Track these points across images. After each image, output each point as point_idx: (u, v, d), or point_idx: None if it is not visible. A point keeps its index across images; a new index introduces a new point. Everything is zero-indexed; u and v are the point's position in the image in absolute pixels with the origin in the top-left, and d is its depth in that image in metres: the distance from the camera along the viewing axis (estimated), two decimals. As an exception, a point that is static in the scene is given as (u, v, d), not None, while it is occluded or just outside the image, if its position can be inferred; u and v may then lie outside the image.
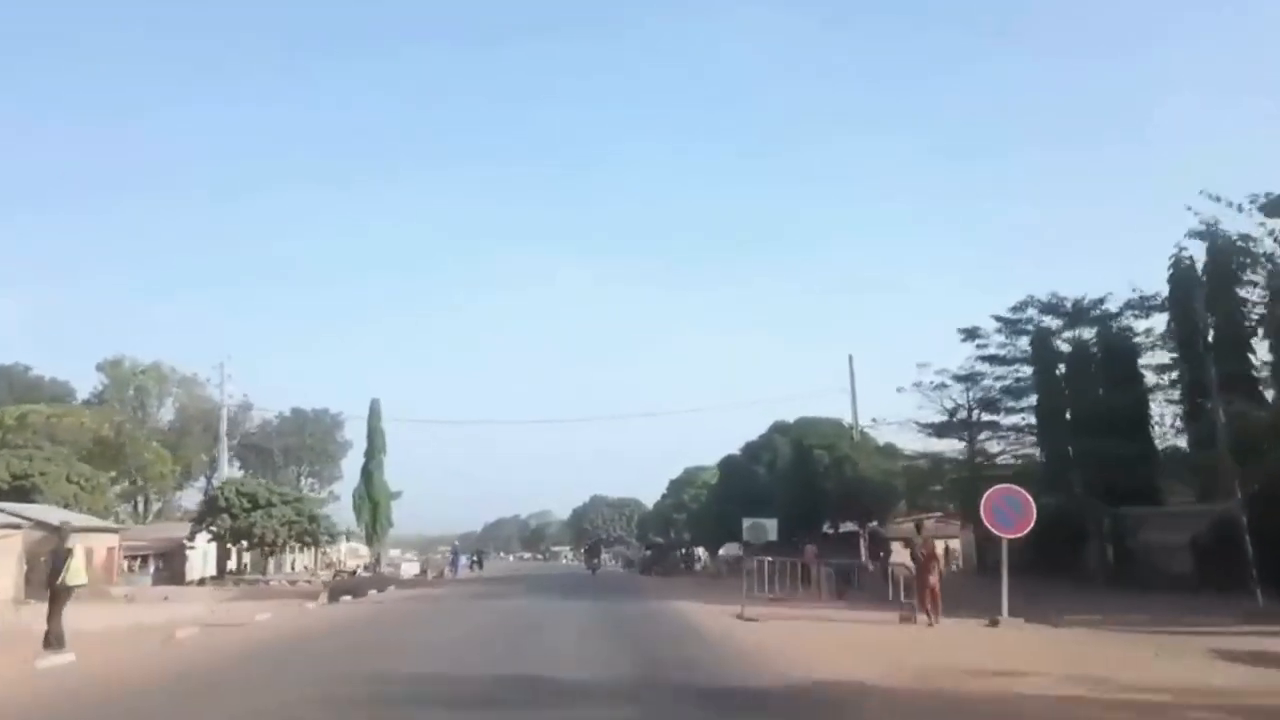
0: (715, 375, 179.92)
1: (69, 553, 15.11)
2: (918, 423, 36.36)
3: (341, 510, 74.21)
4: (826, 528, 47.28)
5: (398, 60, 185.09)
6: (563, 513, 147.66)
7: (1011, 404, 33.91)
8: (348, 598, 28.80)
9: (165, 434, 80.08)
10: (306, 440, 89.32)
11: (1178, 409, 28.78)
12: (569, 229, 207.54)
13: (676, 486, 76.24)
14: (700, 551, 64.21)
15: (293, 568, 67.78)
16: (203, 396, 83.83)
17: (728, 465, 50.57)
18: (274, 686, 11.15)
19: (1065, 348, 32.06)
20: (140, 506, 78.96)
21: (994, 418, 34.44)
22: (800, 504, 43.32)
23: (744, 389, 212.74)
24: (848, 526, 48.63)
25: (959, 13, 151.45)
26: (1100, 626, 18.08)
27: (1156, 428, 29.72)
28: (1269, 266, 24.19)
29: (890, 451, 46.53)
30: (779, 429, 48.22)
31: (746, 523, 40.27)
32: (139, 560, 46.25)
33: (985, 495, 20.20)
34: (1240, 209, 23.18)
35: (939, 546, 52.80)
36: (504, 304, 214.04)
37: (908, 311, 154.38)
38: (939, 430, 35.29)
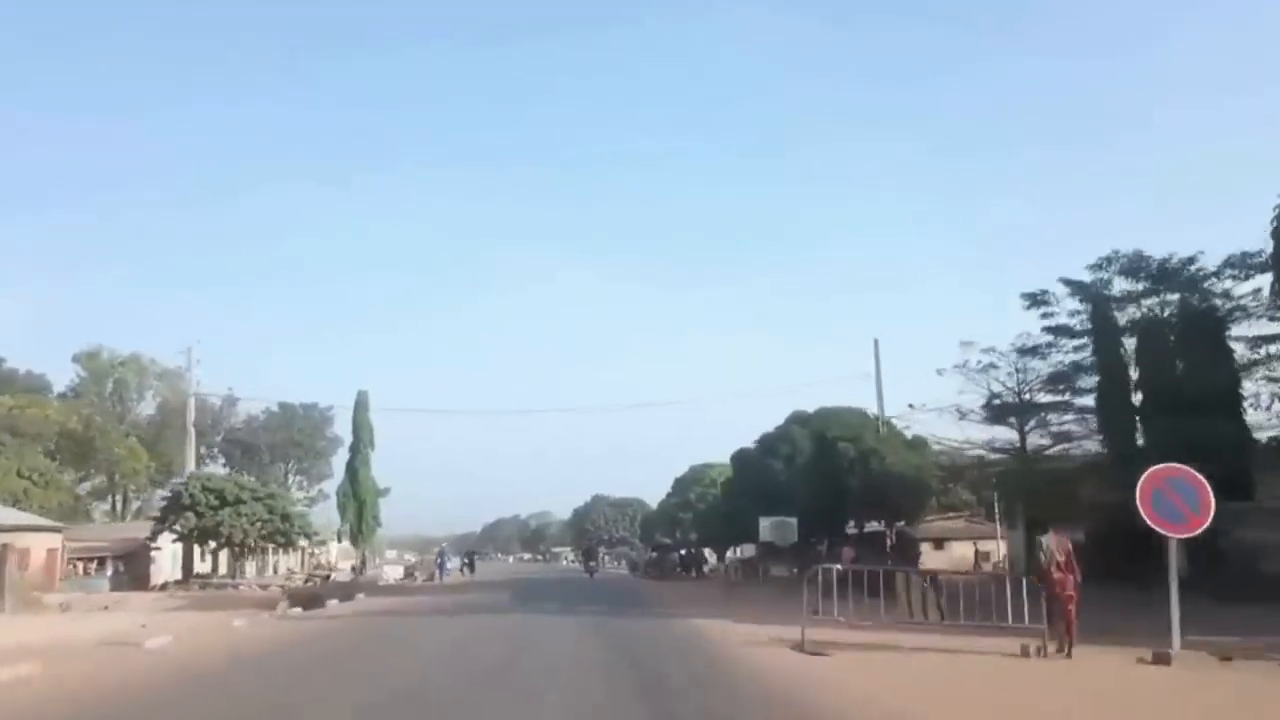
0: (716, 375, 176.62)
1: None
2: (959, 409, 32.27)
3: (331, 509, 70.80)
4: (850, 527, 43.22)
5: (397, 59, 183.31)
6: (563, 513, 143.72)
7: (1067, 385, 29.57)
8: (298, 610, 24.64)
9: (145, 429, 76.48)
10: (295, 436, 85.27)
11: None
12: (569, 228, 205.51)
13: (682, 485, 72.10)
14: (706, 553, 60.30)
15: (275, 570, 63.88)
16: (186, 390, 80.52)
17: (741, 460, 46.42)
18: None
19: (1132, 316, 27.76)
20: (118, 505, 75.32)
21: (1060, 397, 29.97)
22: (822, 501, 39.18)
23: (744, 389, 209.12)
24: (869, 526, 44.73)
25: (960, 12, 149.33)
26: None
27: (1251, 410, 25.44)
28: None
29: (919, 444, 42.54)
30: (797, 420, 44.09)
31: (766, 521, 36.25)
32: (95, 562, 42.25)
33: (1144, 478, 14.80)
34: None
35: (968, 549, 49.06)
36: (504, 303, 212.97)
37: (907, 311, 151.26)
38: (996, 414, 30.95)
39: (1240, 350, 25.64)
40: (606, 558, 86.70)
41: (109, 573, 41.85)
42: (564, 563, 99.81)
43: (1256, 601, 21.48)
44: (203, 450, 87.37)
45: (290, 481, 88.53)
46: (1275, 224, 22.74)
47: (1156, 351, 26.64)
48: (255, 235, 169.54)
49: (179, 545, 44.33)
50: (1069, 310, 28.32)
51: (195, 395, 78.54)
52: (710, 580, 45.76)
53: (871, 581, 16.43)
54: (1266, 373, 25.41)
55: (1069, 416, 30.12)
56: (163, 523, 41.51)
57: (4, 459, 41.62)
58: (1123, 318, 27.43)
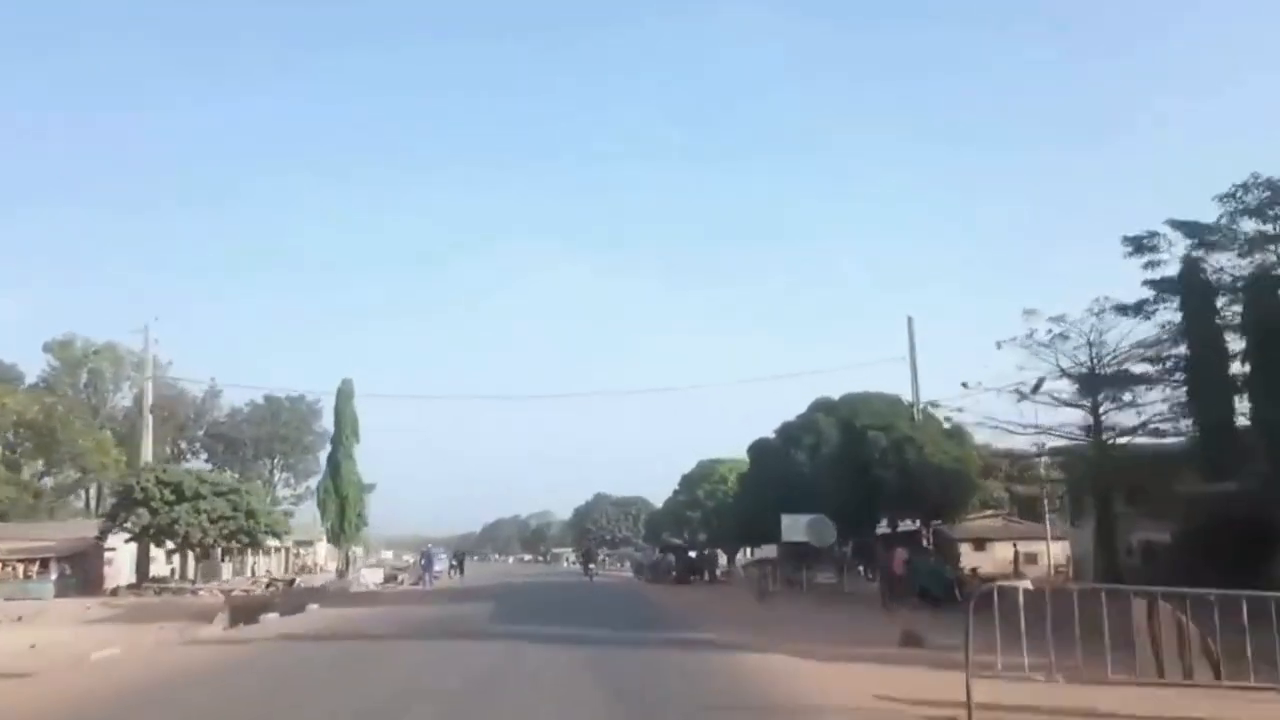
0: (717, 374, 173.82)
1: None
2: (1019, 388, 27.66)
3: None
4: (882, 525, 38.81)
5: (397, 57, 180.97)
6: (565, 513, 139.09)
7: (1163, 354, 24.87)
8: (217, 629, 19.99)
9: (120, 421, 72.22)
10: (280, 430, 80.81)
11: None
12: (569, 224, 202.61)
13: (690, 482, 67.41)
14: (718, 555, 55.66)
15: (253, 572, 59.46)
16: (166, 381, 76.35)
17: (760, 451, 41.75)
18: None
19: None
20: (92, 502, 70.94)
21: (1155, 367, 25.18)
22: (850, 497, 34.64)
23: (745, 390, 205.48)
24: (900, 524, 40.27)
25: (960, 12, 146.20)
26: None
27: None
28: None
29: (959, 433, 38.06)
30: (822, 407, 39.49)
31: (795, 519, 31.81)
32: (36, 564, 37.82)
33: None
34: None
35: (1008, 550, 44.51)
36: (504, 301, 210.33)
37: (906, 311, 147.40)
38: (1087, 386, 26.11)
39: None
40: (607, 559, 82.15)
41: (53, 576, 37.45)
42: (565, 564, 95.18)
43: None
44: (183, 445, 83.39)
45: (276, 478, 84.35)
46: None
47: (1269, 312, 22.08)
48: (253, 229, 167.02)
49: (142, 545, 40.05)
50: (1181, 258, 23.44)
51: (158, 379, 75.04)
52: (728, 585, 41.18)
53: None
54: None
55: (1153, 394, 25.45)
56: (113, 520, 37.14)
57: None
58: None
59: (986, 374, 29.93)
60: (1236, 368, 23.43)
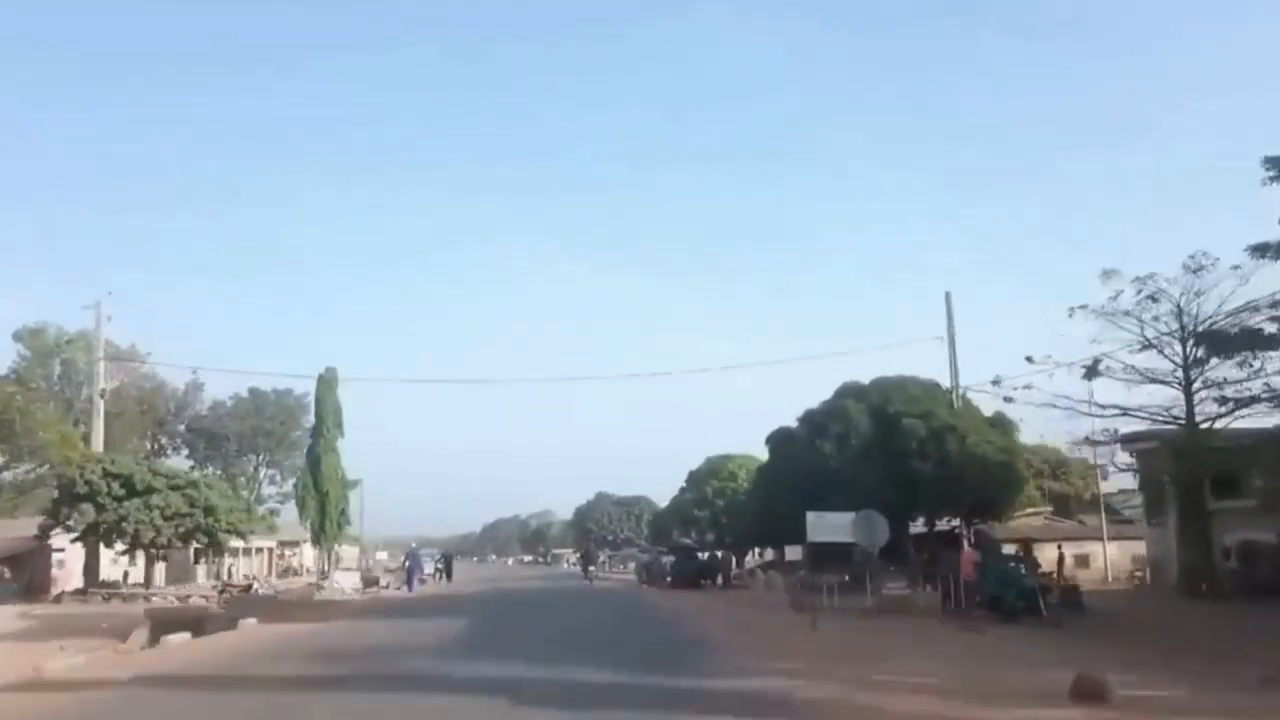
0: (717, 373, 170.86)
1: None
2: (1096, 362, 23.51)
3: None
4: (919, 524, 34.85)
5: (397, 57, 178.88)
6: (565, 512, 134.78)
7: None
8: (98, 654, 15.62)
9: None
10: (265, 424, 76.62)
11: None
12: (569, 227, 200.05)
13: (697, 479, 63.32)
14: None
15: (230, 575, 55.35)
16: (144, 373, 72.41)
17: (781, 442, 37.54)
18: None
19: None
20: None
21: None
22: (885, 492, 30.53)
23: (749, 387, 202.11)
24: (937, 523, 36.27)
25: (961, 11, 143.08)
26: None
27: None
28: None
29: (1001, 422, 34.06)
30: (851, 392, 35.42)
31: (832, 517, 27.60)
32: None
33: None
34: None
35: (1052, 552, 40.37)
36: (504, 299, 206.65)
37: (906, 309, 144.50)
38: (1212, 344, 21.70)
39: None
40: (609, 561, 77.97)
41: (-11, 579, 33.45)
42: (565, 565, 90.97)
43: None
44: (164, 440, 79.35)
45: (261, 475, 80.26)
46: None
47: None
48: (251, 228, 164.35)
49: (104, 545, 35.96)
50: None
51: (135, 370, 71.20)
52: (745, 591, 37.04)
53: None
54: None
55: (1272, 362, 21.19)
56: (55, 517, 33.12)
57: None
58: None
59: (1034, 357, 25.73)
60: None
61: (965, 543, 34.39)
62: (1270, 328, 20.29)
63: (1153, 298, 22.35)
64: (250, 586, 32.90)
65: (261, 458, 78.63)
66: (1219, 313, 21.83)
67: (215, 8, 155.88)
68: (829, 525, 30.62)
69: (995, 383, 25.84)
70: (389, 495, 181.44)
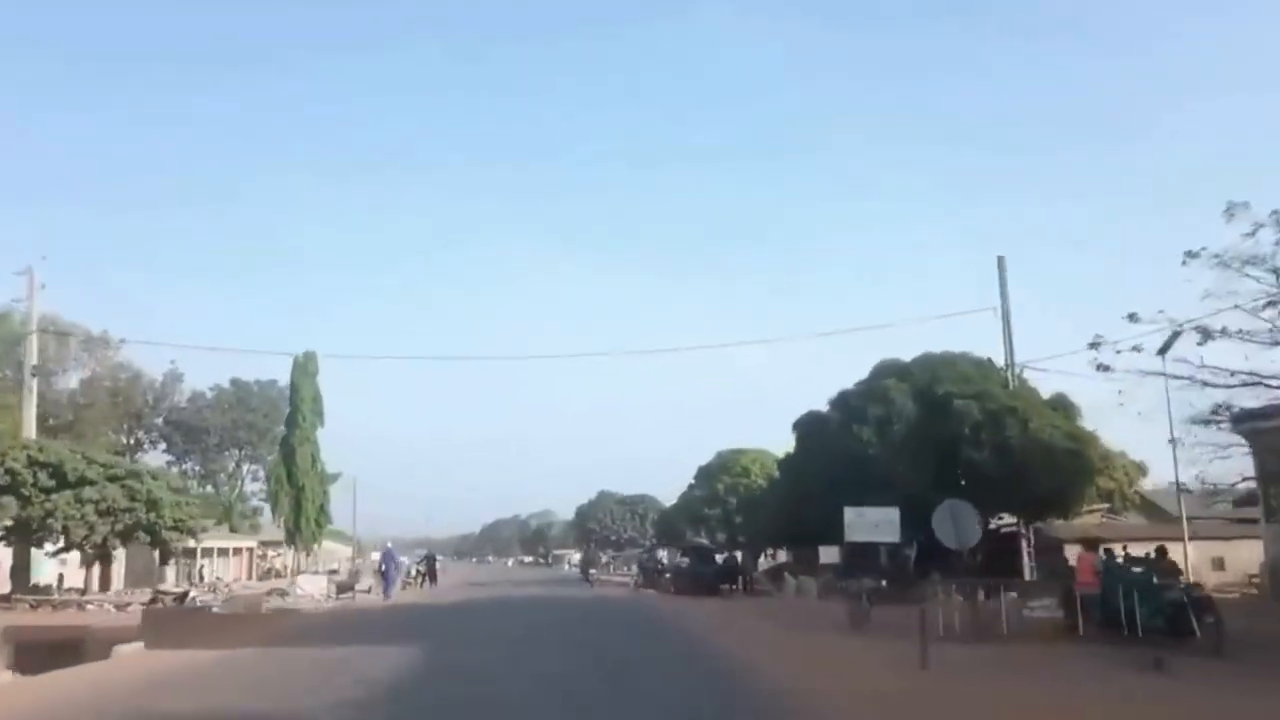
0: (717, 375, 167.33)
1: None
2: (1211, 328, 19.07)
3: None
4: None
5: (397, 57, 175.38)
6: (566, 512, 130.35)
7: None
8: None
9: (64, 406, 63.99)
10: (247, 418, 72.21)
11: None
12: (569, 227, 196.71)
13: (708, 475, 58.83)
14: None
15: (202, 576, 51.01)
16: (118, 363, 68.18)
17: (810, 427, 32.78)
18: None
19: None
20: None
21: None
22: (933, 485, 26.08)
23: (743, 393, 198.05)
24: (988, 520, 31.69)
25: (961, 11, 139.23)
26: None
27: None
28: None
29: (1063, 405, 29.63)
30: (891, 371, 30.88)
31: (873, 514, 23.16)
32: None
33: None
34: None
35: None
36: (505, 297, 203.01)
37: (906, 311, 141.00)
38: None
39: None
40: (613, 563, 73.42)
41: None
42: (566, 567, 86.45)
43: None
44: (140, 434, 75.02)
45: (244, 471, 75.94)
46: None
47: None
48: (250, 228, 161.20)
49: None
50: None
51: (109, 360, 66.98)
52: (770, 599, 32.49)
53: None
54: None
55: None
56: (-26, 512, 28.69)
57: None
58: None
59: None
60: None
61: (1025, 542, 29.99)
62: None
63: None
64: (186, 594, 28.33)
65: (244, 452, 74.29)
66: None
67: (215, 8, 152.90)
68: (869, 522, 26.35)
69: (1093, 345, 21.22)
70: (389, 495, 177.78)
